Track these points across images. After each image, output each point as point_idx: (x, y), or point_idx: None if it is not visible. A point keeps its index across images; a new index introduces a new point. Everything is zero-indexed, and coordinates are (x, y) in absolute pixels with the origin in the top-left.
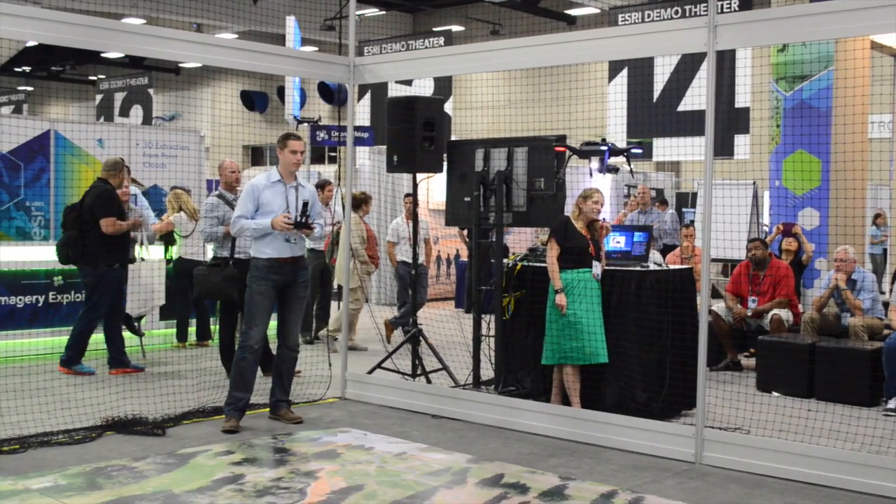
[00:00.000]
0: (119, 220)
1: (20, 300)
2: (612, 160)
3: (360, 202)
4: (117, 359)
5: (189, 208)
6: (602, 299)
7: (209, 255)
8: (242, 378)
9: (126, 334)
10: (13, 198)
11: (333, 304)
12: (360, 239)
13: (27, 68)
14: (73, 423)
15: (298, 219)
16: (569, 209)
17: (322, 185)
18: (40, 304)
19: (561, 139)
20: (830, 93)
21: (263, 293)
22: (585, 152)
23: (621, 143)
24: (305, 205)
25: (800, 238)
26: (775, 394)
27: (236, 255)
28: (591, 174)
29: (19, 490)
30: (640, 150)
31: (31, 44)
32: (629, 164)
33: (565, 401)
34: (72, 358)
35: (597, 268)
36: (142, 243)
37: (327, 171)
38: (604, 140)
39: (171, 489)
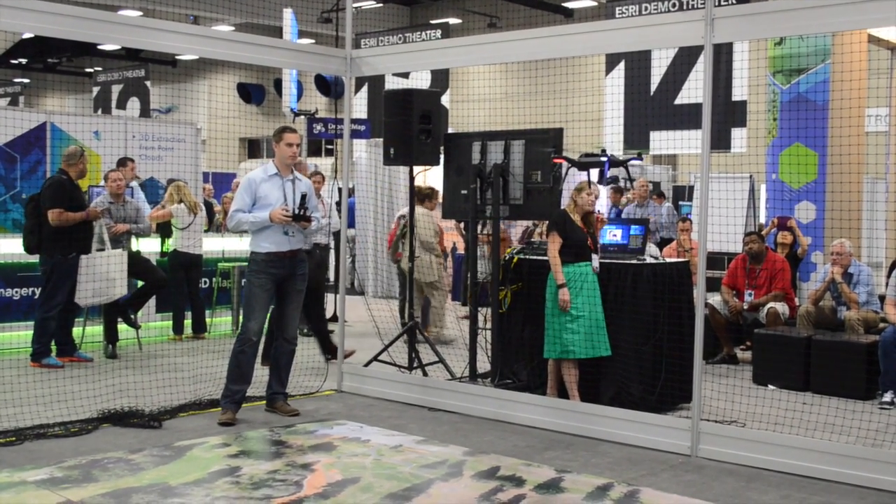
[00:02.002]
0: (69, 211)
1: (16, 292)
2: (612, 171)
3: (425, 195)
4: (62, 348)
5: (189, 201)
6: (599, 292)
7: (204, 248)
8: (240, 370)
9: (122, 326)
10: (9, 190)
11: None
12: (434, 232)
13: (23, 60)
14: (69, 415)
15: (296, 211)
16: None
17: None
18: (36, 297)
19: (557, 133)
20: (827, 86)
21: (262, 286)
22: (584, 164)
23: (619, 140)
24: (303, 197)
25: (795, 231)
26: (771, 387)
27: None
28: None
29: (16, 482)
30: (640, 160)
31: (27, 36)
32: (628, 174)
33: (561, 394)
34: (38, 351)
35: (595, 261)
36: (137, 235)
37: (324, 163)
38: (603, 151)
39: (167, 481)
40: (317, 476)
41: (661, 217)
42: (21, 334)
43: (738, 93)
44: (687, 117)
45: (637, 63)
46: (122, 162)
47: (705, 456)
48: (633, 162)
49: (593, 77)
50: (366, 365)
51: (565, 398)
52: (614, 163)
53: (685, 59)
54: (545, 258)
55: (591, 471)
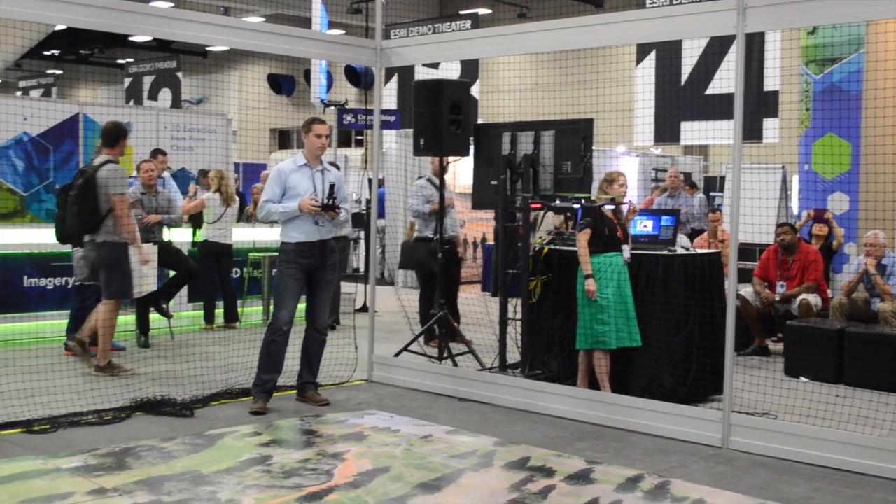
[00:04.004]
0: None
1: (50, 282)
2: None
3: None
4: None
5: (227, 191)
6: (629, 283)
7: (236, 238)
8: (271, 360)
9: (154, 316)
10: (43, 180)
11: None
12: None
13: (56, 52)
14: (102, 403)
15: (325, 201)
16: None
17: None
18: (69, 286)
19: (588, 123)
20: (861, 76)
21: (292, 276)
22: (560, 209)
23: (650, 130)
24: (332, 187)
25: (831, 224)
26: (803, 379)
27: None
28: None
29: (50, 469)
30: (612, 206)
31: (59, 27)
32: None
33: (592, 384)
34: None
35: (626, 251)
36: (168, 226)
37: (354, 154)
38: (577, 199)
39: (199, 469)
40: (347, 465)
41: (693, 208)
42: (55, 323)
43: (771, 83)
44: (718, 107)
45: (668, 53)
46: (155, 154)
47: (736, 448)
48: (606, 207)
49: (624, 67)
50: (396, 355)
51: (596, 389)
52: (587, 210)
53: (716, 49)
54: (575, 249)
55: (621, 462)
